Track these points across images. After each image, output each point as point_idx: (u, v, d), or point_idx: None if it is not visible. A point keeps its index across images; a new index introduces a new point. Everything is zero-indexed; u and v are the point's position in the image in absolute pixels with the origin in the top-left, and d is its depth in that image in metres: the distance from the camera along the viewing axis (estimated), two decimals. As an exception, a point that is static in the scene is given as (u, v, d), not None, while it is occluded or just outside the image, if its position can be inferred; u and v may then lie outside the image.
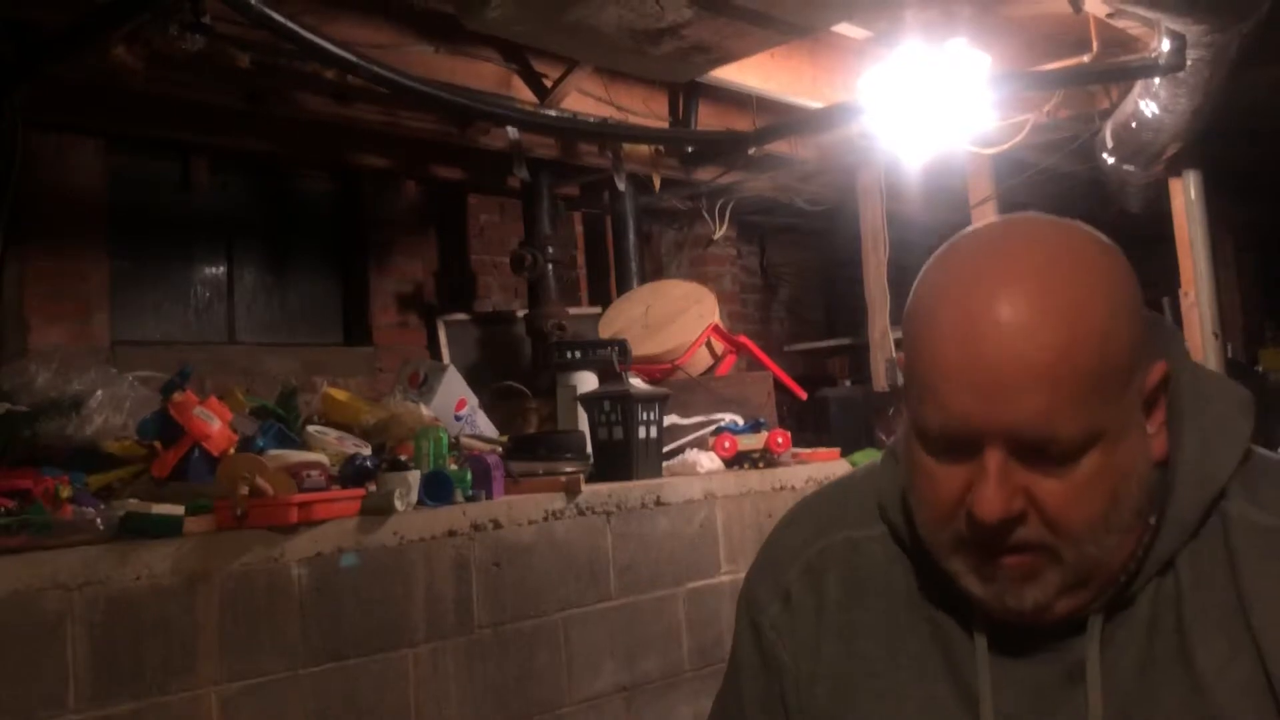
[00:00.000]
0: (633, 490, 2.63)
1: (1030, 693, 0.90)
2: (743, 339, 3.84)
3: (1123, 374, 0.83)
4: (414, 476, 2.21)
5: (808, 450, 3.23)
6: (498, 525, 2.32)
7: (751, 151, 3.92)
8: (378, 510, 2.12)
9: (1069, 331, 0.80)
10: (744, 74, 3.43)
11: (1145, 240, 5.05)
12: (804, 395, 3.82)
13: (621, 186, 3.95)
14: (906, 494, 0.94)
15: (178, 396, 2.12)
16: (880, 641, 0.97)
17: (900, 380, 0.92)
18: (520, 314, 3.95)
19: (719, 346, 3.71)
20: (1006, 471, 0.82)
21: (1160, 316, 0.96)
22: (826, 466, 3.13)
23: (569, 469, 2.59)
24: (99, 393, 2.23)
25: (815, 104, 3.70)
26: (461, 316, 4.03)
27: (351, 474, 2.20)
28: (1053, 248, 0.85)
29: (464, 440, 2.71)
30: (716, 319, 3.71)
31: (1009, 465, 0.82)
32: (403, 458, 2.33)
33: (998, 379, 0.81)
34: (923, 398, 0.85)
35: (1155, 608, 0.88)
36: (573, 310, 3.96)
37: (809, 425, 4.34)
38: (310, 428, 2.46)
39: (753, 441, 3.05)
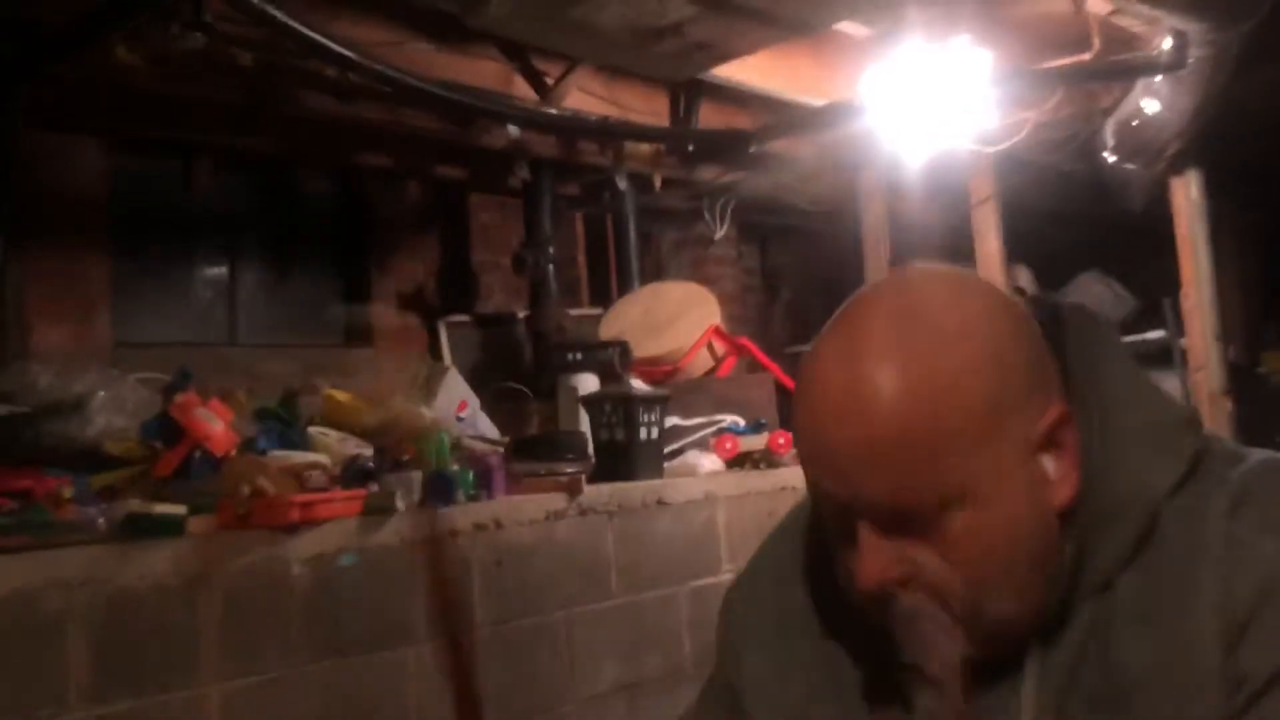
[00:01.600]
0: (634, 490, 2.62)
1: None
2: (743, 341, 3.84)
3: (979, 429, 0.81)
4: (415, 477, 2.21)
5: (810, 450, 3.22)
6: (499, 525, 2.32)
7: (752, 150, 3.92)
8: (379, 510, 2.12)
9: (898, 404, 0.81)
10: (745, 72, 3.43)
11: (1146, 240, 5.06)
12: (805, 396, 3.81)
13: (622, 186, 3.95)
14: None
15: (179, 398, 2.12)
16: (833, 667, 0.96)
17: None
18: (522, 315, 3.95)
19: (720, 348, 3.71)
20: (878, 541, 0.83)
21: (1094, 330, 0.93)
22: (828, 466, 3.13)
23: (570, 470, 2.59)
24: (100, 394, 2.23)
25: (817, 102, 3.70)
26: (463, 318, 4.03)
27: (353, 475, 2.20)
28: (901, 312, 0.85)
29: (466, 441, 2.71)
30: (717, 321, 3.71)
31: (885, 534, 0.83)
32: (404, 459, 2.33)
33: (839, 461, 0.83)
34: (806, 476, 0.89)
35: (1091, 626, 0.86)
36: (574, 311, 3.95)
37: (810, 426, 4.32)
38: (311, 429, 2.45)
39: (754, 442, 3.05)
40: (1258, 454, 0.90)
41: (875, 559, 0.83)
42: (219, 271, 3.65)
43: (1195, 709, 0.81)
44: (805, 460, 0.88)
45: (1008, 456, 0.82)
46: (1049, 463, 0.84)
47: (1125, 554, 0.86)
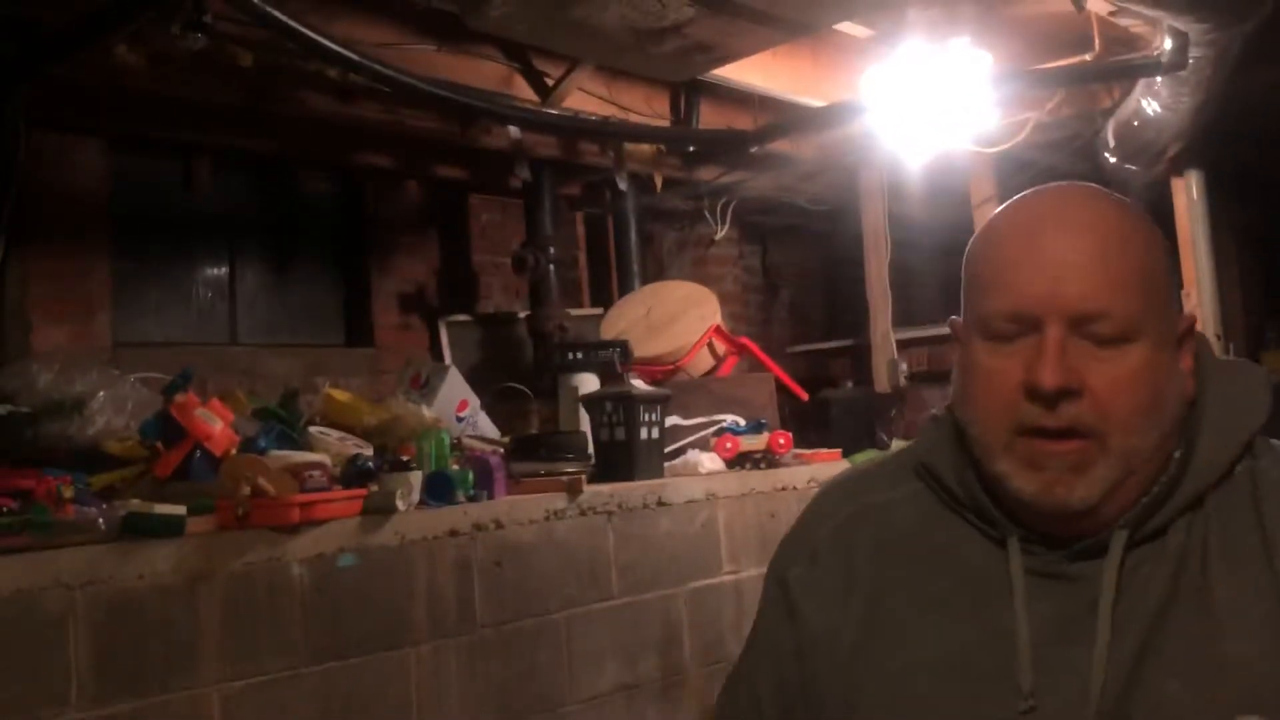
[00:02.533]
0: (634, 490, 2.62)
1: (1056, 623, 0.94)
2: (744, 340, 3.84)
3: (1162, 293, 0.96)
4: (415, 477, 2.21)
5: (809, 451, 3.22)
6: (499, 525, 2.32)
7: (753, 150, 3.92)
8: (379, 510, 2.12)
9: (1118, 233, 0.95)
10: (746, 72, 3.43)
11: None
12: (805, 396, 3.82)
13: (623, 186, 3.95)
14: (960, 412, 1.01)
15: (180, 398, 2.12)
16: (909, 594, 1.02)
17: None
18: (522, 315, 3.95)
19: (721, 348, 3.71)
20: (1064, 348, 0.92)
21: None
22: (828, 467, 3.13)
23: (571, 469, 2.59)
24: (101, 394, 2.23)
25: (817, 103, 3.70)
26: (463, 317, 4.03)
27: (353, 474, 2.20)
28: (1103, 192, 1.01)
29: (466, 441, 2.71)
30: (718, 320, 3.71)
31: (1067, 344, 0.92)
32: (404, 458, 2.33)
33: (1061, 261, 0.94)
34: (993, 293, 0.97)
35: (1185, 545, 0.94)
36: (574, 311, 3.96)
37: (811, 426, 4.33)
38: (312, 429, 2.46)
39: (754, 442, 3.05)
40: None
41: (1060, 361, 0.92)
42: (219, 271, 3.65)
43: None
44: (1004, 275, 0.96)
45: (1170, 332, 0.96)
46: (1180, 358, 0.98)
47: (1218, 473, 0.95)
